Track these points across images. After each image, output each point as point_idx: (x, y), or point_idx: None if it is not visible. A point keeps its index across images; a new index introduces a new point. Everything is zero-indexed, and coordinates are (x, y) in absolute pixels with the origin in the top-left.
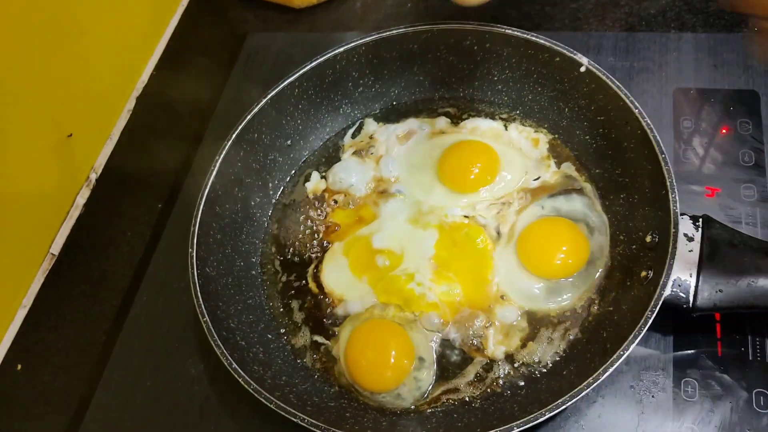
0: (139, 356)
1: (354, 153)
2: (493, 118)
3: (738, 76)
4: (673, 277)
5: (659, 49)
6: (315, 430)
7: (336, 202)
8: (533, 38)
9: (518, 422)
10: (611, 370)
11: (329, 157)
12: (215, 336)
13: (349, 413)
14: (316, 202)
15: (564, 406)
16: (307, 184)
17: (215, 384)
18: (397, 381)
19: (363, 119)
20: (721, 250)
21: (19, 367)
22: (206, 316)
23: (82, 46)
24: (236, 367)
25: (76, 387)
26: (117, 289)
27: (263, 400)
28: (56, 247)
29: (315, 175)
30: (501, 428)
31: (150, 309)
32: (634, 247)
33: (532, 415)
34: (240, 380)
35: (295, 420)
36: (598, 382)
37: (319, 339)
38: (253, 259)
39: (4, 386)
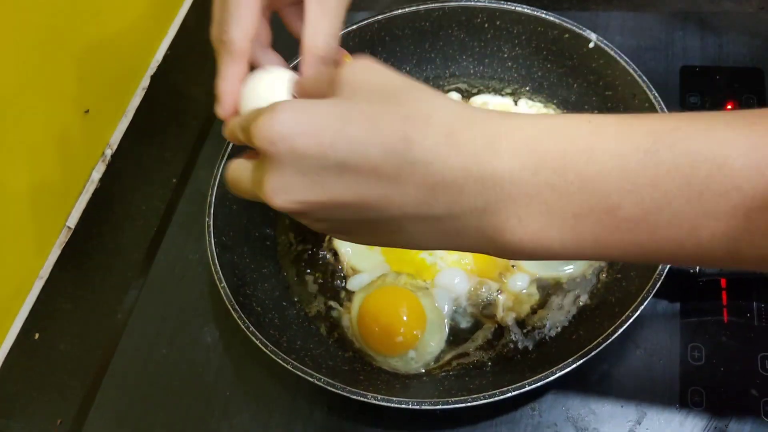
0: (154, 325)
1: None
2: (502, 94)
3: (743, 55)
4: None
5: (665, 29)
6: (331, 389)
7: None
8: (543, 15)
9: (529, 380)
10: (621, 330)
11: None
12: (233, 301)
13: (362, 376)
14: None
15: (574, 365)
16: None
17: (230, 351)
18: (408, 345)
19: None
20: None
21: (37, 336)
22: (223, 281)
23: (98, 24)
24: (253, 329)
25: (92, 355)
26: (132, 261)
27: (280, 361)
28: (72, 221)
29: None
30: (512, 386)
31: (165, 280)
32: None
33: (542, 374)
34: (257, 342)
35: (311, 380)
36: (609, 341)
37: (333, 305)
38: (268, 230)
39: (23, 355)
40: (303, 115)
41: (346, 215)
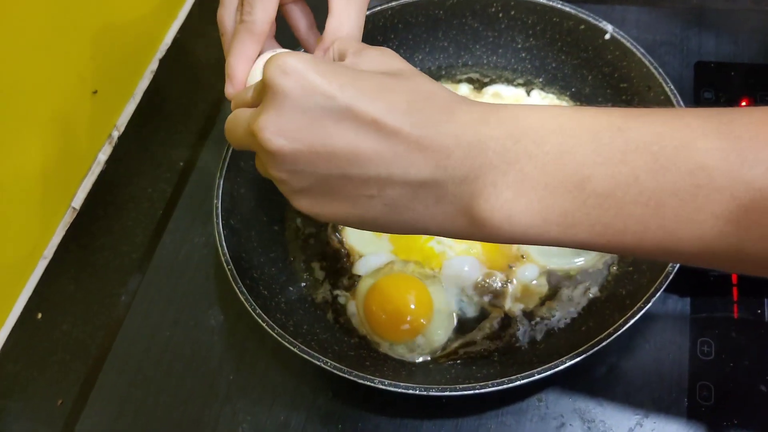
0: (159, 307)
1: None
2: (515, 84)
3: (759, 52)
4: None
5: (681, 24)
6: (338, 373)
7: None
8: (558, 6)
9: (537, 369)
10: (630, 323)
11: None
12: (240, 283)
13: (369, 362)
14: None
15: (583, 356)
16: None
17: (235, 335)
18: (415, 332)
19: None
20: None
21: (40, 315)
22: (231, 264)
23: (109, 5)
24: (260, 312)
25: (95, 336)
26: (137, 243)
27: (287, 344)
28: (77, 202)
29: None
30: (520, 374)
31: (170, 262)
32: None
33: (551, 363)
34: (264, 325)
35: (318, 363)
36: (618, 334)
37: (339, 293)
38: (276, 215)
39: (25, 334)
40: (320, 61)
41: (330, 169)
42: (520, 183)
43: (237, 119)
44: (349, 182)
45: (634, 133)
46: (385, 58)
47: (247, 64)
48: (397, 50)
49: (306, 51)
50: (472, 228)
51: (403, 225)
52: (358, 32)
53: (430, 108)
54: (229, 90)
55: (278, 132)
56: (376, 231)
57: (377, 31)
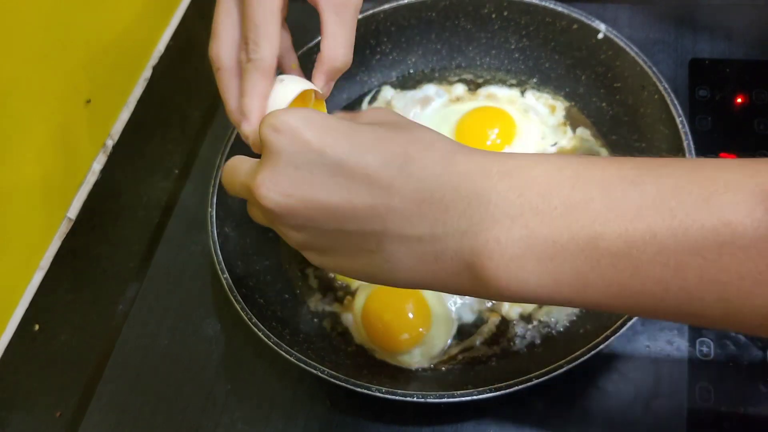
0: (156, 317)
1: None
2: (509, 85)
3: (753, 48)
4: None
5: (674, 21)
6: (335, 381)
7: None
8: (551, 6)
9: (535, 374)
10: (628, 324)
11: None
12: (235, 292)
13: (366, 370)
14: None
15: (582, 359)
16: None
17: (232, 344)
18: (413, 343)
19: (380, 87)
20: None
21: (37, 327)
22: (226, 273)
23: (101, 14)
24: (256, 321)
25: (93, 347)
26: (133, 252)
27: (283, 353)
28: (73, 212)
29: None
30: (518, 379)
31: (167, 271)
32: None
33: (549, 368)
34: (260, 334)
35: (315, 372)
36: (616, 336)
37: (334, 300)
38: None
39: (23, 346)
40: (317, 116)
41: (327, 224)
42: (526, 240)
43: (235, 170)
44: (348, 237)
45: (650, 186)
46: (383, 112)
47: (263, 101)
48: (390, 53)
49: (282, 71)
50: (477, 287)
51: (407, 281)
52: (351, 49)
53: (427, 159)
54: (246, 129)
55: (273, 185)
56: (384, 285)
57: (370, 35)
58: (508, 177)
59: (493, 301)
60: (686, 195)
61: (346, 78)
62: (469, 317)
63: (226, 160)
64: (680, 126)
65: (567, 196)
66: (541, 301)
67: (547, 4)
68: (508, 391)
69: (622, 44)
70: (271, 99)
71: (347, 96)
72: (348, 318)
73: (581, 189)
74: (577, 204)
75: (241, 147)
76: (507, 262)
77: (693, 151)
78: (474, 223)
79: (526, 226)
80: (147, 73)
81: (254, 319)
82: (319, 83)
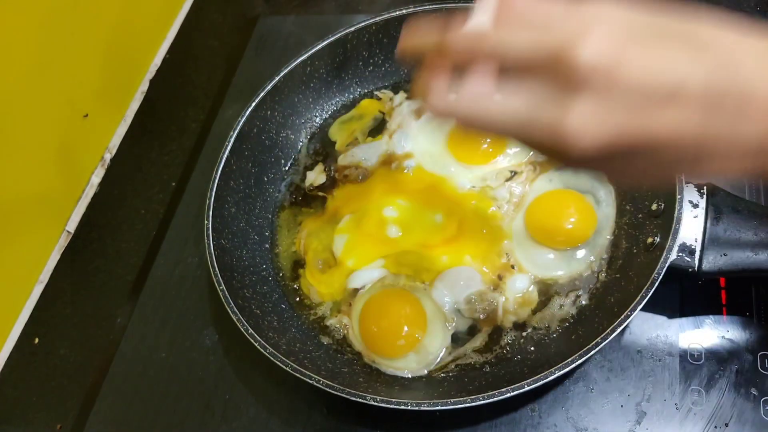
0: (154, 329)
1: None
2: None
3: None
4: (678, 242)
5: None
6: (331, 390)
7: (347, 176)
8: None
9: (528, 380)
10: (620, 329)
11: None
12: (231, 304)
13: (362, 378)
14: (327, 177)
15: (573, 365)
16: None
17: (230, 354)
18: (409, 347)
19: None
20: (726, 216)
21: (37, 340)
22: (222, 284)
23: (97, 29)
24: (252, 332)
25: (92, 359)
26: (132, 264)
27: (279, 363)
28: (72, 225)
29: None
30: (511, 386)
31: (165, 283)
32: (640, 215)
33: (541, 374)
34: (256, 345)
35: (310, 382)
36: (607, 341)
37: (331, 311)
38: (266, 233)
39: (23, 360)
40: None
41: (652, 156)
42: None
43: (504, 107)
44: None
45: None
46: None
47: None
48: (382, 64)
49: None
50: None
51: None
52: None
53: (750, 62)
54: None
55: (600, 126)
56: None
57: (362, 46)
58: None
59: (489, 307)
60: None
61: (339, 89)
62: (462, 325)
63: (221, 173)
64: None
65: None
66: None
67: None
68: (501, 398)
69: None
70: None
71: (342, 107)
72: (345, 326)
73: None
74: None
75: (231, 165)
76: None
77: None
78: None
79: None
80: (144, 86)
81: (250, 330)
82: None
